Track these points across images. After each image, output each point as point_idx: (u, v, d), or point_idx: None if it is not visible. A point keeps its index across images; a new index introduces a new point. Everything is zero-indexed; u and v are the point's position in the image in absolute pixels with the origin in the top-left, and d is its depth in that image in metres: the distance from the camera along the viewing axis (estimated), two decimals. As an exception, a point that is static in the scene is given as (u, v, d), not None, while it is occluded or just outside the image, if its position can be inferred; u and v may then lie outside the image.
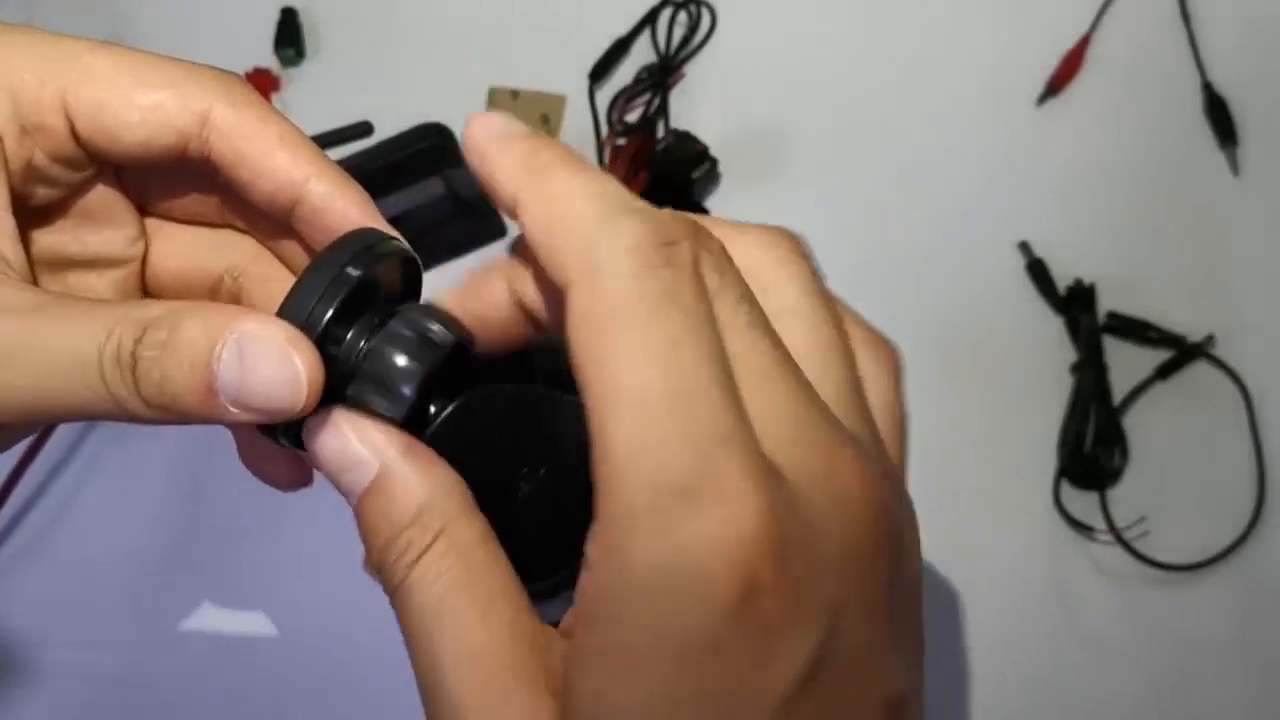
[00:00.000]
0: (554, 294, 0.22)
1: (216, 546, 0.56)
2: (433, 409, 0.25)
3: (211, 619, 0.55)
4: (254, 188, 0.26)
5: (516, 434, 0.26)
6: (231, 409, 0.22)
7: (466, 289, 0.25)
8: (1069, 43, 0.62)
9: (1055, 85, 0.61)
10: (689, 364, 0.20)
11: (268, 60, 0.64)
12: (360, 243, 0.25)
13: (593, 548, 0.21)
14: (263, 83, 0.64)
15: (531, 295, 0.24)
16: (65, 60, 0.25)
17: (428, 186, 0.57)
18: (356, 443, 0.23)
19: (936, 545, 0.54)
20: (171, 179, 0.28)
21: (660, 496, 0.20)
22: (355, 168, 0.54)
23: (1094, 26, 0.62)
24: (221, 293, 0.29)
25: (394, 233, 0.26)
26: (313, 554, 0.55)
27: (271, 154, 0.26)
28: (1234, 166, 0.60)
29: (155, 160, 0.26)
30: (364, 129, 0.52)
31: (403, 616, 0.23)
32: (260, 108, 0.26)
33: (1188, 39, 0.62)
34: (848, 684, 0.22)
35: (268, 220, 0.28)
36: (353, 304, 0.24)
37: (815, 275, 0.24)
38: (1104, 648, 0.52)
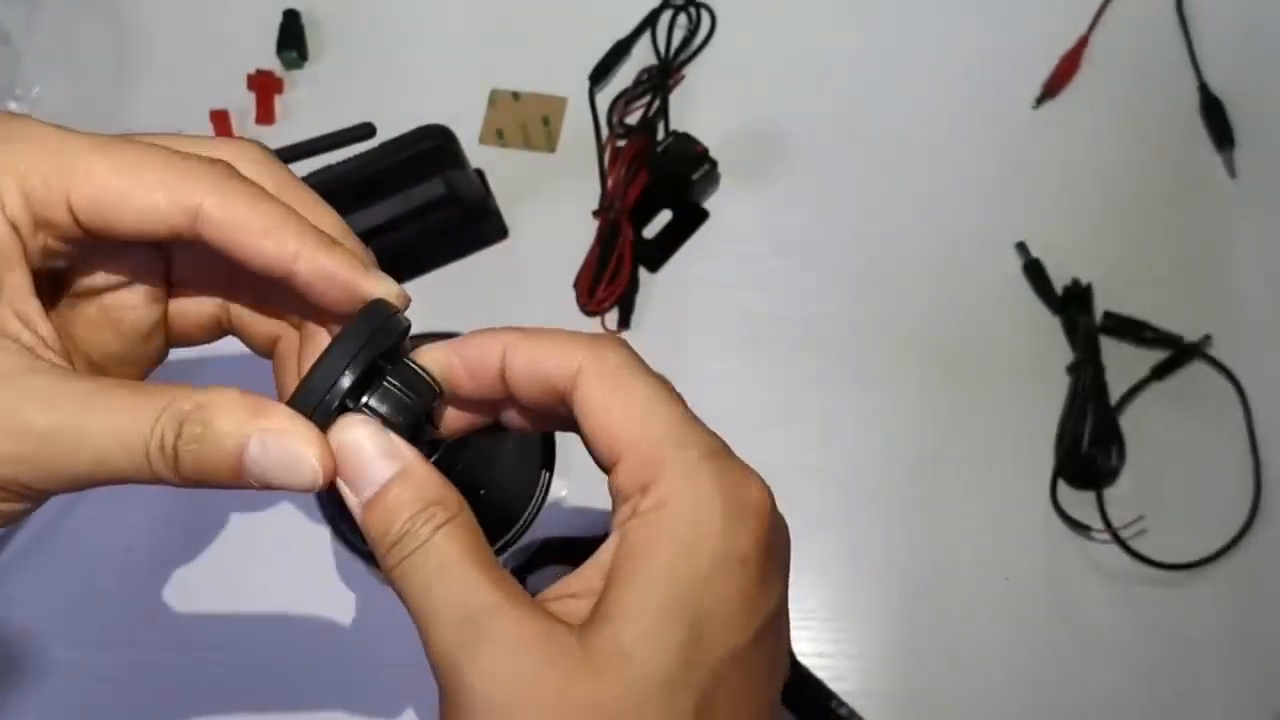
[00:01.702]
0: (536, 374, 0.30)
1: (217, 547, 0.56)
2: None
3: (212, 618, 0.56)
4: (248, 264, 0.29)
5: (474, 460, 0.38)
6: (257, 485, 0.28)
7: (466, 342, 0.30)
8: (1066, 45, 0.62)
9: (1052, 87, 0.62)
10: (670, 388, 0.30)
11: (271, 63, 0.64)
12: (361, 337, 0.29)
13: (649, 499, 0.28)
14: (266, 85, 0.64)
15: (519, 366, 0.30)
16: (69, 161, 0.28)
17: (429, 188, 0.57)
18: (384, 444, 0.29)
19: (935, 543, 0.55)
20: (177, 247, 0.32)
21: (705, 455, 0.29)
22: (357, 169, 0.54)
23: (1091, 29, 0.63)
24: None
25: (379, 279, 0.30)
26: (312, 555, 0.55)
27: (257, 243, 0.29)
28: (1230, 168, 0.60)
29: (154, 240, 0.30)
30: (366, 131, 0.52)
31: (420, 568, 0.28)
32: (248, 198, 0.29)
33: (1184, 41, 0.62)
34: (781, 633, 0.30)
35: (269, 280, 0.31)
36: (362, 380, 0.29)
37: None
38: (1101, 645, 0.53)
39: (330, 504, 0.46)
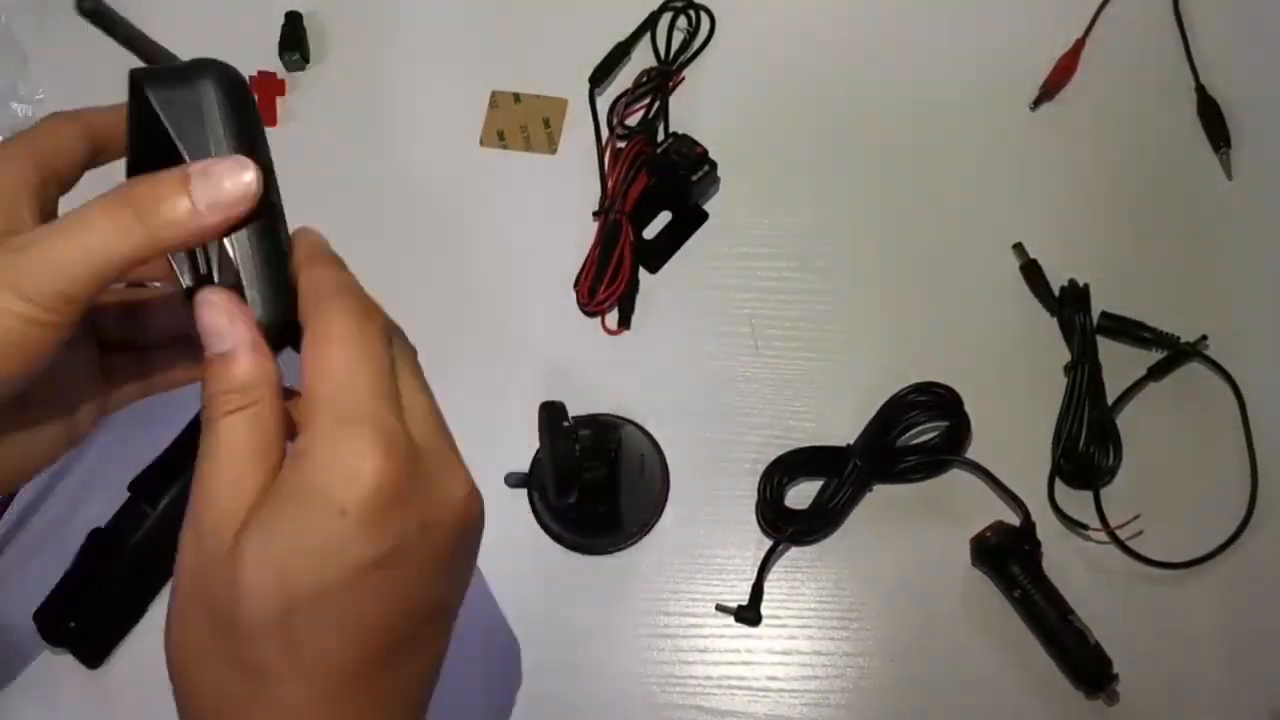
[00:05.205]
0: None
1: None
2: None
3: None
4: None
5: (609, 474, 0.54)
6: (207, 212, 0.33)
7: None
8: (1063, 46, 0.63)
9: (1050, 89, 0.62)
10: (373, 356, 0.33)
11: (273, 65, 0.65)
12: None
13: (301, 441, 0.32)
14: (268, 87, 0.64)
15: None
16: None
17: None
18: (226, 322, 0.33)
19: (934, 542, 0.55)
20: None
21: (343, 421, 0.32)
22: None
23: (1088, 30, 0.63)
24: None
25: None
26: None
27: None
28: (1227, 169, 0.60)
29: None
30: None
31: (206, 437, 0.33)
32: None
33: (1181, 43, 0.63)
34: (381, 582, 0.32)
35: None
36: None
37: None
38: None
39: (533, 497, 0.57)
